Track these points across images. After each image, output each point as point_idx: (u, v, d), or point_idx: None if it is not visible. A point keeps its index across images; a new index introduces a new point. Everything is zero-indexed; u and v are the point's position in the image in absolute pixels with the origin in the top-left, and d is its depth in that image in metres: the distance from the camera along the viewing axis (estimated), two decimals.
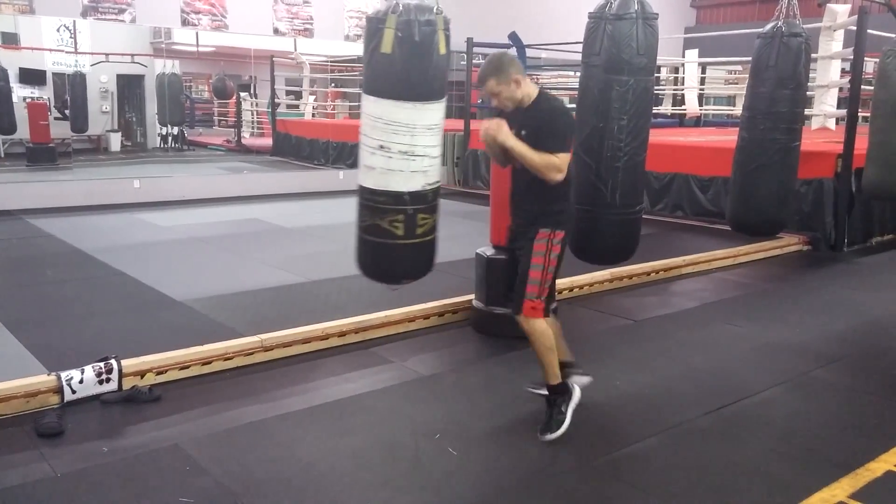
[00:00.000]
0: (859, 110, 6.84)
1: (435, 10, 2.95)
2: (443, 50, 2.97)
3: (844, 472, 2.72)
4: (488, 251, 4.32)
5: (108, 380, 3.26)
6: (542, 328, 3.01)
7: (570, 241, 4.47)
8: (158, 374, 3.43)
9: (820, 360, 3.95)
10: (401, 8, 2.88)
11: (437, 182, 3.16)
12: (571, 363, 3.21)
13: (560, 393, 3.06)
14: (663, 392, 3.50)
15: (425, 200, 3.08)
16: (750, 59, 5.22)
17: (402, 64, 2.92)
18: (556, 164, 2.87)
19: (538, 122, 2.92)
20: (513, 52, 11.98)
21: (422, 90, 2.96)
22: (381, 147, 2.99)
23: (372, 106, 3.01)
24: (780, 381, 3.63)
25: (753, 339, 4.30)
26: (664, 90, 13.59)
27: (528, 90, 2.96)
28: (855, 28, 6.81)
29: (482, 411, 3.25)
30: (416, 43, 2.89)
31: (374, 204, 3.08)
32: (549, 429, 2.97)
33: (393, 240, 3.09)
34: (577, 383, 3.14)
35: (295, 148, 13.68)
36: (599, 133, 3.95)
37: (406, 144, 2.97)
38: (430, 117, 3.00)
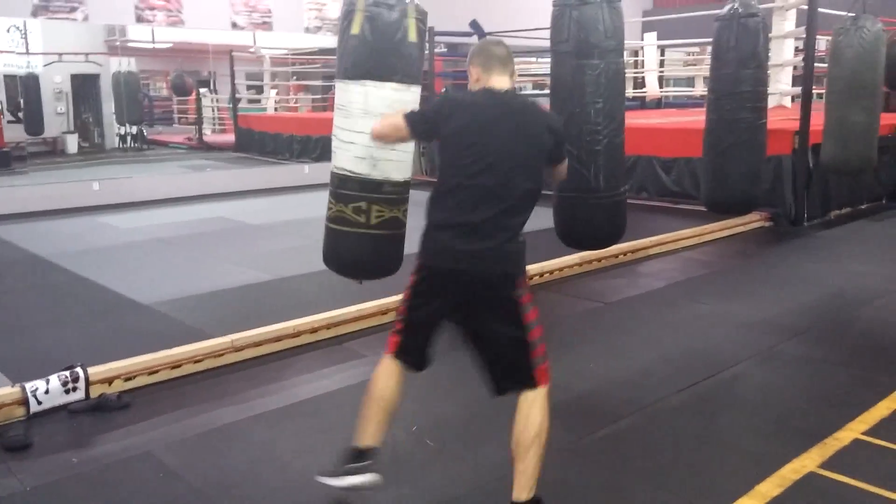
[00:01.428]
0: (813, 88, 6.96)
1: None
2: (412, 37, 2.91)
3: (813, 442, 2.78)
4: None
5: (74, 389, 3.19)
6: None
7: (558, 228, 4.41)
8: (127, 380, 3.36)
9: (786, 333, 4.04)
10: None
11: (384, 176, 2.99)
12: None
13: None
14: (636, 372, 3.55)
15: (379, 190, 2.97)
16: (707, 40, 5.28)
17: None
18: (386, 116, 2.55)
19: None
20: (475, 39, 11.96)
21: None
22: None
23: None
24: (749, 356, 3.70)
25: (721, 315, 4.37)
26: (626, 74, 13.71)
27: (476, 84, 2.45)
28: (806, 7, 6.92)
29: (458, 402, 3.26)
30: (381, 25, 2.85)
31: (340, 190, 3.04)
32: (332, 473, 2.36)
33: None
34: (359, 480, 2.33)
35: (258, 143, 13.51)
36: (577, 119, 3.97)
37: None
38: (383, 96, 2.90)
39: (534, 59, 13.76)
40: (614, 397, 3.27)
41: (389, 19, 2.88)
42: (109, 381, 3.31)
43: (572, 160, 4.04)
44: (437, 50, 10.42)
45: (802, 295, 4.80)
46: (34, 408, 3.09)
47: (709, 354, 3.76)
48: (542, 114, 2.44)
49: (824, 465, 2.63)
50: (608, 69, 3.94)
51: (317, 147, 11.96)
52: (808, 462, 2.65)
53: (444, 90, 12.40)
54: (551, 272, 5.17)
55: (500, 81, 2.39)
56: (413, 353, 2.39)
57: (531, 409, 2.25)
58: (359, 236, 3.05)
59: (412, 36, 2.93)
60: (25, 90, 13.46)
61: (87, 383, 3.22)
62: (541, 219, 4.57)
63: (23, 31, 13.27)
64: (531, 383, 2.27)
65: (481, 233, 2.23)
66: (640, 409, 3.13)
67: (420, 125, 2.42)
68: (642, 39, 13.38)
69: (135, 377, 3.39)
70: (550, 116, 2.53)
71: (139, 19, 9.61)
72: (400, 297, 2.43)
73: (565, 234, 4.33)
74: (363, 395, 2.39)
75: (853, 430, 2.88)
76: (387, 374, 2.36)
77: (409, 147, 3.01)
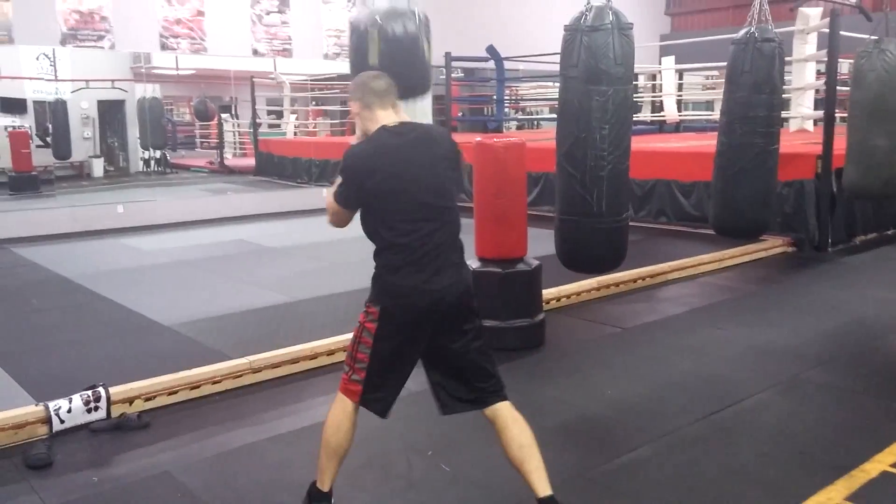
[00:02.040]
0: (836, 111, 6.92)
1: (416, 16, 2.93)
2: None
3: (839, 474, 2.71)
4: (474, 264, 4.32)
5: (96, 408, 3.22)
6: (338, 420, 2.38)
7: (559, 251, 4.43)
8: (147, 400, 3.39)
9: (809, 361, 3.98)
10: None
11: None
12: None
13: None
14: (655, 400, 3.51)
15: None
16: (724, 64, 5.28)
17: None
18: (327, 204, 2.44)
19: None
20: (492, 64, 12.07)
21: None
22: None
23: None
24: (771, 385, 3.65)
25: (742, 342, 4.32)
26: (643, 98, 13.71)
27: (366, 123, 2.42)
28: (827, 30, 6.91)
29: (473, 426, 3.23)
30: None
31: None
32: None
33: None
34: None
35: (278, 167, 13.68)
36: (582, 143, 3.98)
37: None
38: None
39: (550, 84, 13.83)
40: (631, 425, 3.24)
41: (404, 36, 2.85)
42: (130, 400, 3.34)
43: (575, 184, 4.06)
44: (453, 75, 10.50)
45: (826, 322, 4.73)
46: (57, 426, 3.12)
47: (729, 382, 3.71)
48: (447, 140, 2.48)
49: (851, 498, 2.56)
50: (616, 96, 3.96)
51: (335, 171, 12.05)
52: (834, 495, 2.58)
53: (460, 114, 12.47)
54: (568, 296, 5.15)
55: (386, 116, 2.39)
56: (383, 399, 2.39)
57: (512, 411, 2.37)
58: None
59: (427, 55, 2.93)
60: (54, 116, 13.77)
61: (109, 403, 3.26)
62: (548, 242, 4.59)
63: (52, 59, 13.60)
64: (502, 390, 2.40)
65: (441, 263, 2.30)
66: (659, 437, 3.09)
67: (351, 201, 2.37)
68: (660, 63, 13.39)
69: (155, 397, 3.42)
70: (449, 140, 2.52)
71: (164, 47, 9.84)
72: (351, 344, 2.40)
73: (565, 256, 4.34)
74: (320, 439, 2.41)
75: (881, 462, 2.81)
76: (347, 422, 2.38)
77: None
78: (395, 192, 2.30)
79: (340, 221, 2.46)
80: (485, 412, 2.40)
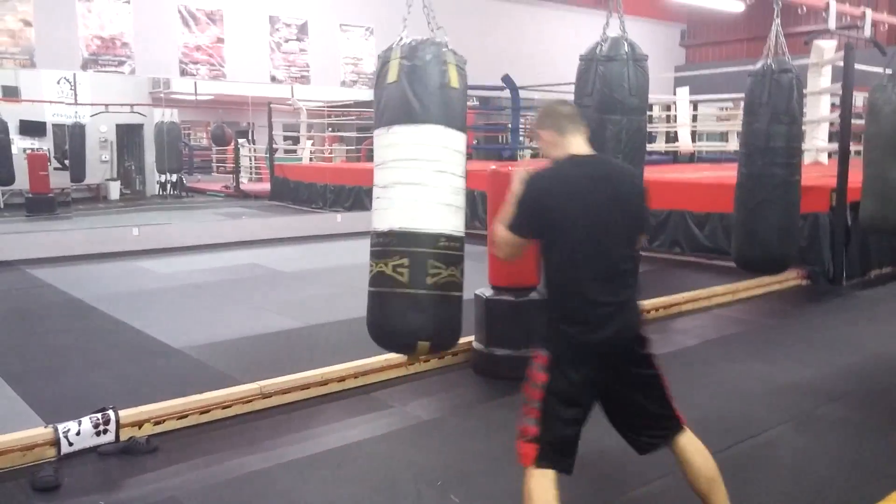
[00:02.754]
0: (851, 144, 6.90)
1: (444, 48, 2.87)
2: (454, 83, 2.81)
3: None
4: (487, 292, 4.31)
5: (105, 431, 3.22)
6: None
7: None
8: (156, 423, 3.38)
9: (825, 396, 3.92)
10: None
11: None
12: None
13: None
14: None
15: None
16: (739, 95, 5.29)
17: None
18: (496, 234, 2.34)
19: None
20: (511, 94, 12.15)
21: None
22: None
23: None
24: (786, 420, 3.59)
25: (756, 376, 4.26)
26: (657, 128, 13.75)
27: (553, 151, 2.39)
28: (842, 64, 6.92)
29: (484, 456, 3.21)
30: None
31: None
32: None
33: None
34: None
35: (293, 192, 13.78)
36: None
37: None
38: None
39: None
40: (643, 458, 3.18)
41: (429, 65, 2.79)
42: (139, 424, 3.33)
43: None
44: (469, 103, 10.59)
45: (841, 357, 4.67)
46: (65, 449, 3.12)
47: (743, 417, 3.66)
48: (635, 179, 2.44)
49: None
50: (630, 126, 3.97)
51: (350, 196, 12.14)
52: None
53: (475, 141, 12.49)
54: None
55: (578, 144, 2.36)
56: (566, 457, 2.28)
57: (696, 443, 2.39)
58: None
59: (454, 82, 2.83)
60: (72, 139, 13.98)
61: (118, 426, 3.25)
62: None
63: (72, 83, 13.85)
64: (679, 424, 2.39)
65: (615, 307, 2.26)
66: (671, 471, 3.03)
67: (524, 228, 2.29)
68: (674, 94, 13.46)
69: (164, 421, 3.41)
70: (641, 182, 2.48)
71: (183, 73, 9.99)
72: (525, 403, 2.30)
73: None
74: None
75: None
76: (544, 489, 2.22)
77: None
78: (572, 227, 2.22)
79: (512, 251, 2.37)
80: (670, 447, 2.41)
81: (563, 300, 2.27)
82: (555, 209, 2.24)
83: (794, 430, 3.49)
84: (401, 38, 2.82)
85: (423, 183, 2.75)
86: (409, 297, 2.72)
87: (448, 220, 2.81)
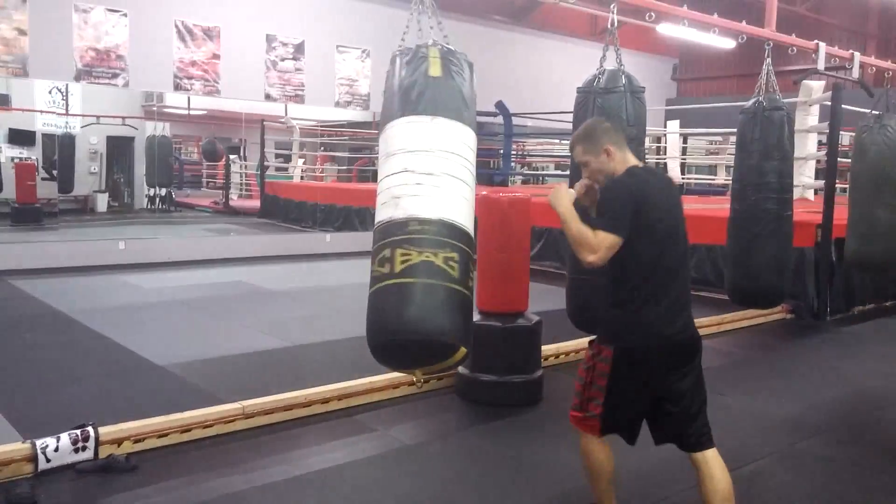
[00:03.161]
0: (837, 181, 7.00)
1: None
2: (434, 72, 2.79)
3: None
4: (475, 316, 4.30)
5: (84, 448, 3.17)
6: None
7: (570, 310, 4.39)
8: (136, 441, 3.34)
9: (807, 430, 3.93)
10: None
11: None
12: None
13: None
14: (650, 464, 3.45)
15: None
16: (729, 129, 5.36)
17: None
18: (587, 241, 2.36)
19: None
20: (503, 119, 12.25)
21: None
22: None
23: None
24: (768, 454, 3.60)
25: (739, 409, 4.27)
26: (648, 159, 13.87)
27: (617, 165, 2.52)
28: (829, 103, 7.04)
29: (467, 482, 3.19)
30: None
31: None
32: None
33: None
34: None
35: (283, 210, 13.75)
36: None
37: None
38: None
39: (556, 140, 14.03)
40: (625, 490, 3.17)
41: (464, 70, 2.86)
42: (119, 441, 3.29)
43: None
44: None
45: (824, 391, 4.69)
46: (42, 465, 3.06)
47: (726, 449, 3.61)
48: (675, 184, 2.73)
49: None
50: None
51: (340, 216, 12.14)
52: None
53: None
54: (567, 353, 5.12)
55: (632, 156, 2.58)
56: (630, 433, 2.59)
57: (720, 460, 2.54)
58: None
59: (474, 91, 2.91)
60: (61, 149, 13.89)
61: (97, 443, 3.20)
62: (557, 297, 4.59)
63: (64, 93, 13.81)
64: (711, 439, 2.55)
65: (685, 303, 2.53)
66: (655, 503, 3.04)
67: (625, 230, 2.38)
68: (665, 127, 13.62)
69: (144, 439, 3.36)
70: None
71: (177, 87, 10.00)
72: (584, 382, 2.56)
73: (577, 316, 4.31)
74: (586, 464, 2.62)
75: None
76: (598, 449, 2.57)
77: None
78: (662, 232, 2.44)
79: (608, 252, 2.38)
80: (692, 456, 2.54)
81: (643, 293, 2.44)
82: (649, 209, 2.42)
83: (777, 464, 3.49)
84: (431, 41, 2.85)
85: (465, 182, 2.74)
86: (459, 294, 2.54)
87: (473, 225, 2.77)
